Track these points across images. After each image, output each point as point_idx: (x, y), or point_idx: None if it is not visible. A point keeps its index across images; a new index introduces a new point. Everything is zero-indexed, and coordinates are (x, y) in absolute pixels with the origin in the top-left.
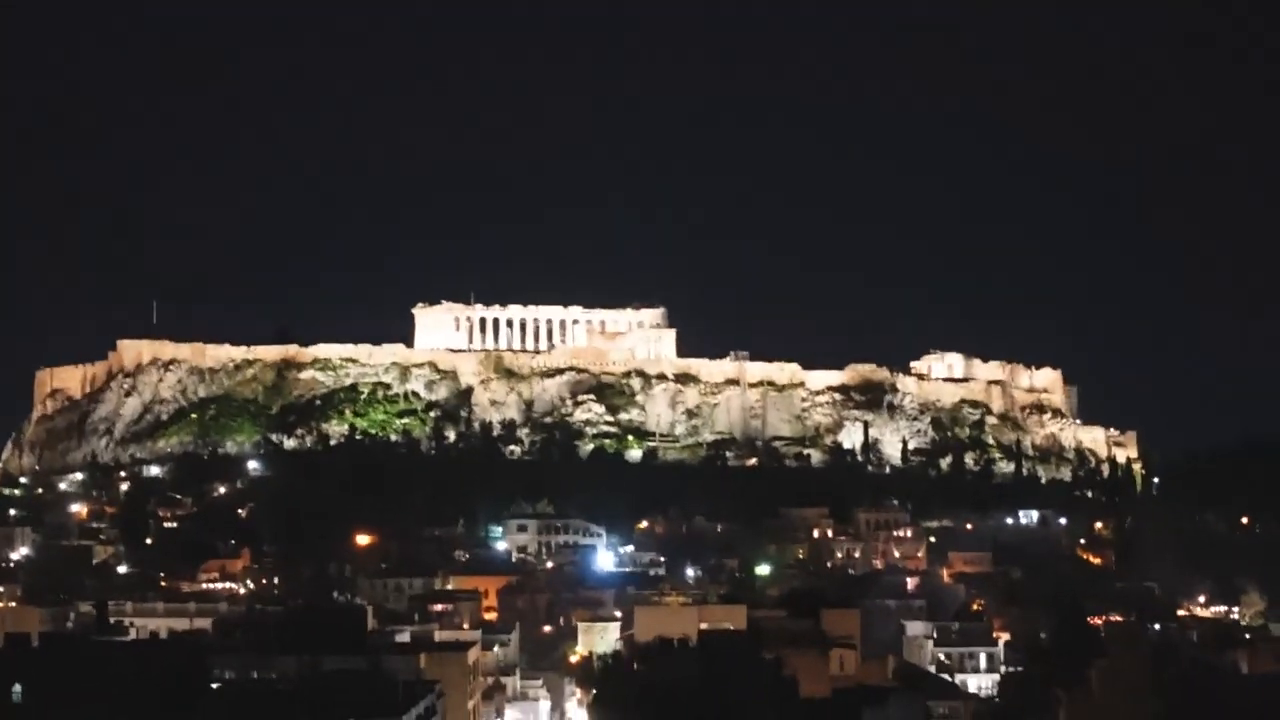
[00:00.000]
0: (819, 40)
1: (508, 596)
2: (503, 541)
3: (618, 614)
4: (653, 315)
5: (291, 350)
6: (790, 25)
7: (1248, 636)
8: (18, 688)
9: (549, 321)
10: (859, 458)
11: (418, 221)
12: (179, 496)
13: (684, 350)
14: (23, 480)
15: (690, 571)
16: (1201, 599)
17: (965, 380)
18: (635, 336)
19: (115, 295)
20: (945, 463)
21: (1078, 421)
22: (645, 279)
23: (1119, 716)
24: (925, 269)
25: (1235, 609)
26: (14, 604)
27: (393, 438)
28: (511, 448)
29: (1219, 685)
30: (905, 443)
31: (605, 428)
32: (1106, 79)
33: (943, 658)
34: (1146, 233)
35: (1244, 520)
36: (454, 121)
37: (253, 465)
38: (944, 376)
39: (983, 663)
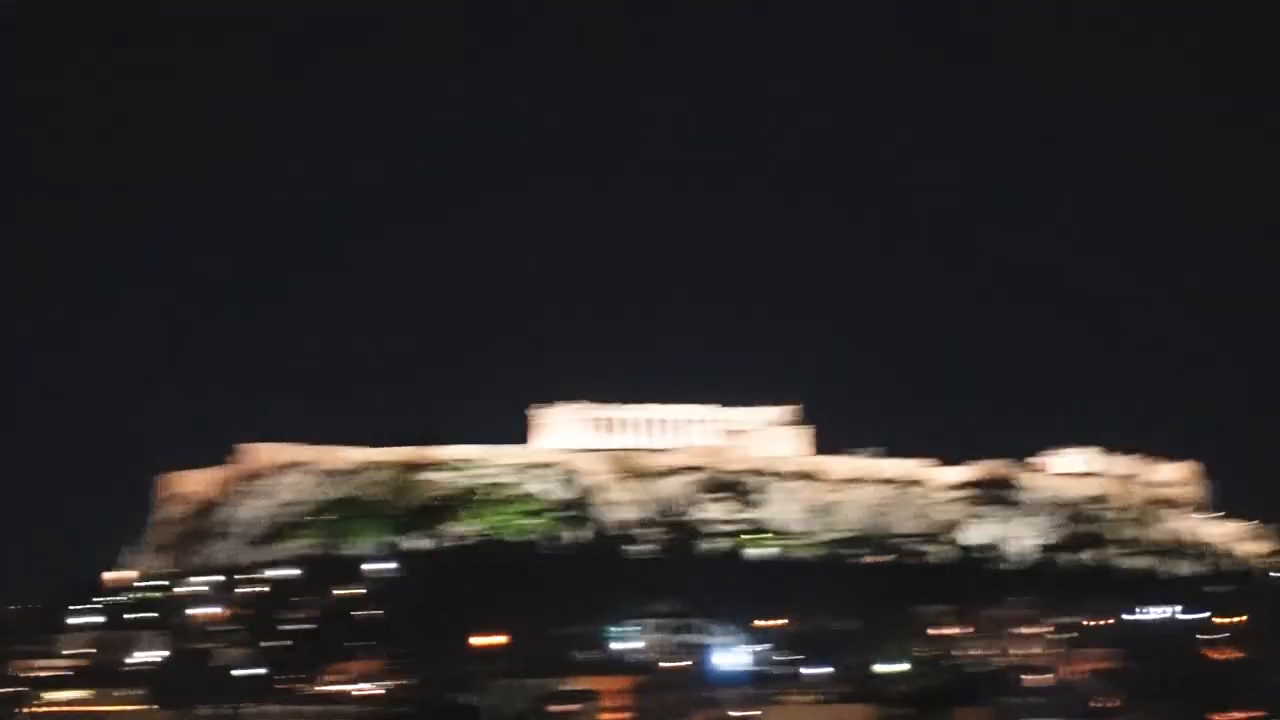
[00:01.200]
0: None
1: (634, 696)
2: (627, 641)
3: (744, 714)
4: (782, 412)
5: (416, 451)
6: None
7: None
8: None
9: (675, 421)
10: (985, 554)
11: (545, 315)
12: (305, 599)
13: (821, 448)
14: (146, 584)
15: (816, 670)
16: None
17: (1092, 474)
18: (764, 435)
19: (239, 396)
20: (1069, 558)
21: (1216, 514)
22: (780, 376)
23: None
24: (1059, 356)
25: None
26: (142, 707)
27: (517, 538)
28: (635, 547)
29: None
30: (1031, 539)
31: (731, 526)
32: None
33: None
34: None
35: None
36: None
37: (378, 567)
38: (1070, 471)
39: None
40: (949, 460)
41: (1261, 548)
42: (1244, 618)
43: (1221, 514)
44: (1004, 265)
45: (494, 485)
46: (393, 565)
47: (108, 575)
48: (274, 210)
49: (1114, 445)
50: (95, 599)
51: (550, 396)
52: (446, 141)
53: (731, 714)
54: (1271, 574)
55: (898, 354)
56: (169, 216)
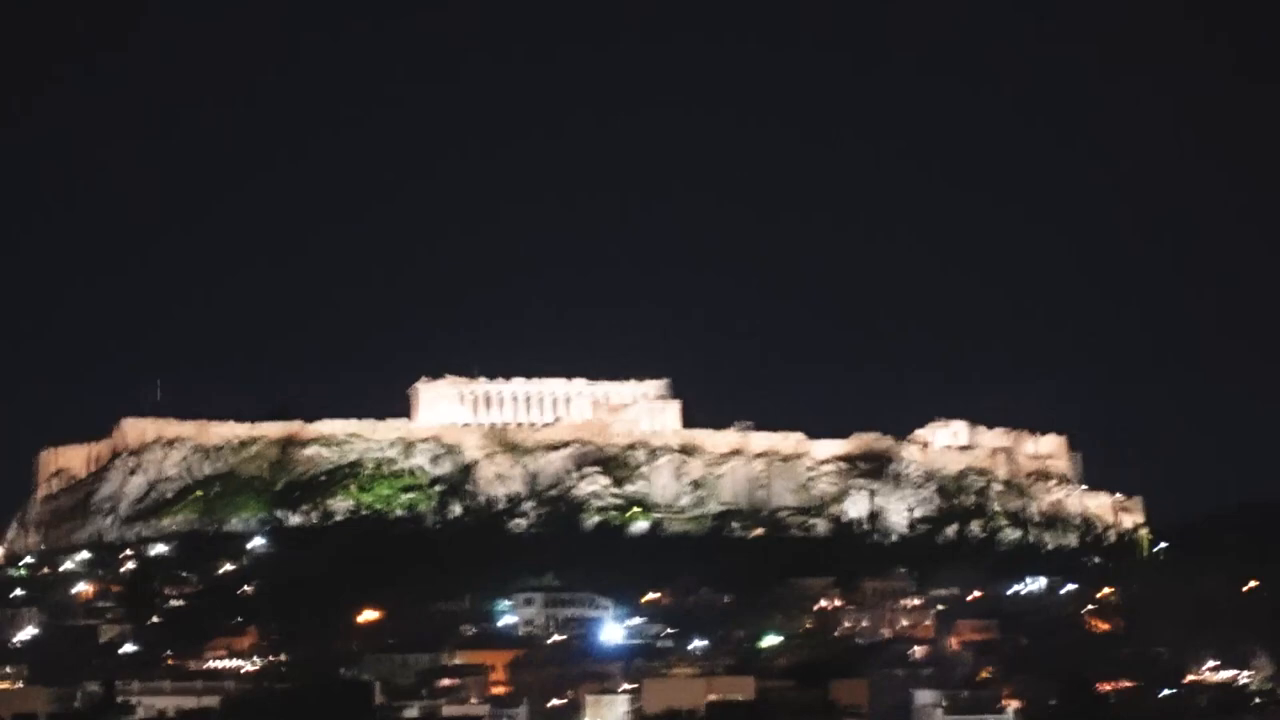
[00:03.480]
0: (817, 122)
1: (516, 670)
2: (509, 615)
3: (626, 686)
4: (657, 387)
5: (295, 427)
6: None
7: (1257, 700)
8: None
9: (553, 395)
10: (864, 527)
11: (418, 291)
12: (184, 574)
13: (689, 421)
14: (28, 560)
15: (697, 643)
16: (1210, 664)
17: (969, 448)
18: (639, 409)
19: (118, 373)
20: (951, 531)
21: (1083, 488)
22: (649, 350)
23: None
24: (928, 336)
25: (1244, 673)
26: (20, 684)
27: (397, 513)
28: (516, 521)
29: None
30: (910, 511)
31: (610, 500)
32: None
33: None
34: (1150, 297)
35: (1251, 584)
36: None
37: (257, 542)
38: (948, 445)
39: None
40: (821, 434)
41: (1129, 520)
42: (1116, 590)
43: (1087, 487)
44: (879, 234)
45: (374, 461)
46: (271, 541)
47: None
48: (151, 182)
49: (985, 420)
50: None
51: (430, 371)
52: (325, 117)
53: (613, 687)
54: (1141, 546)
55: (765, 328)
56: (41, 189)
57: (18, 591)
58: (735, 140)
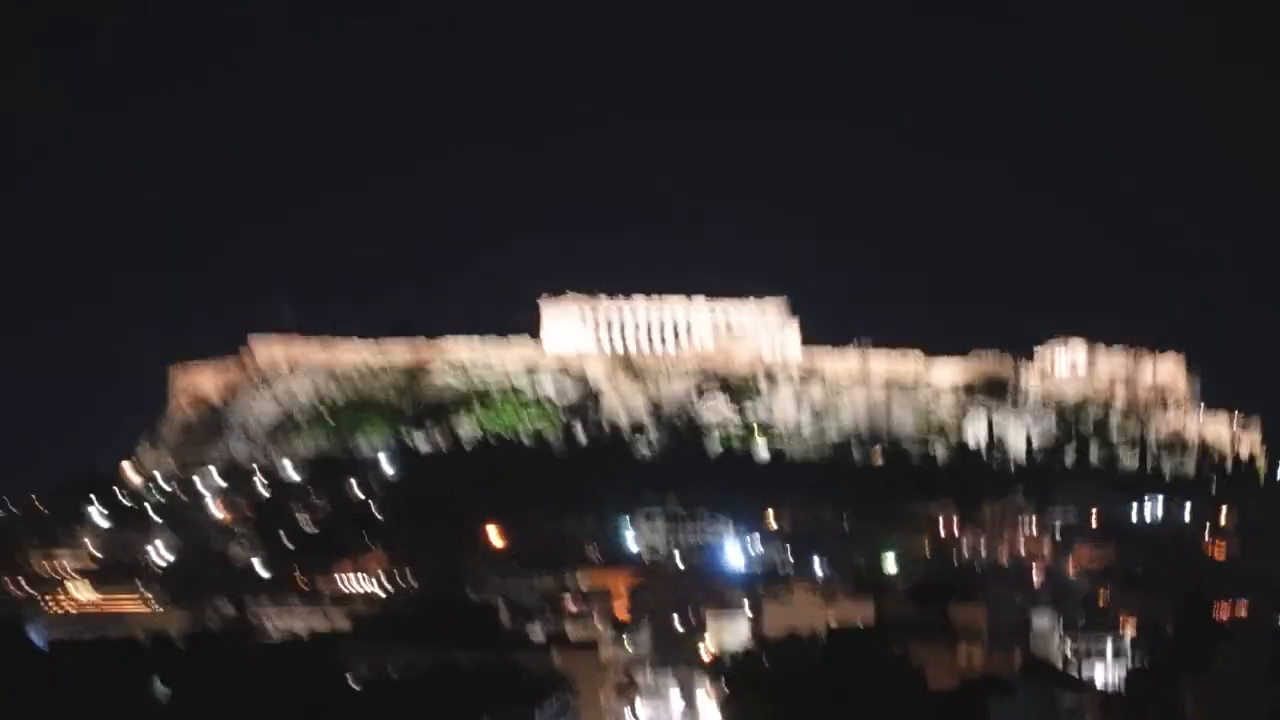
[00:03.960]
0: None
1: (639, 593)
2: (632, 539)
3: (748, 609)
4: (776, 305)
5: (423, 352)
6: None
7: None
8: (161, 688)
9: (674, 317)
10: (984, 452)
11: (540, 209)
12: (315, 498)
13: (808, 339)
14: (161, 481)
15: (818, 567)
16: None
17: (1087, 377)
18: (759, 332)
19: (245, 288)
20: (1070, 456)
21: (1202, 407)
22: (767, 266)
23: (1245, 703)
24: (1046, 251)
25: None
26: (157, 605)
27: (523, 438)
28: (640, 446)
29: None
30: (1029, 437)
31: (732, 425)
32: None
33: (1069, 650)
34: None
35: None
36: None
37: (387, 466)
38: (1068, 367)
39: (1109, 654)
40: (940, 351)
41: (1248, 441)
42: (1235, 512)
43: (1205, 406)
44: (995, 160)
45: (501, 386)
46: (399, 464)
47: (126, 466)
48: (278, 99)
49: (1103, 337)
50: (112, 494)
51: (551, 286)
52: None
53: (734, 608)
54: (1257, 470)
55: (881, 243)
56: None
57: (153, 513)
58: (853, 69)
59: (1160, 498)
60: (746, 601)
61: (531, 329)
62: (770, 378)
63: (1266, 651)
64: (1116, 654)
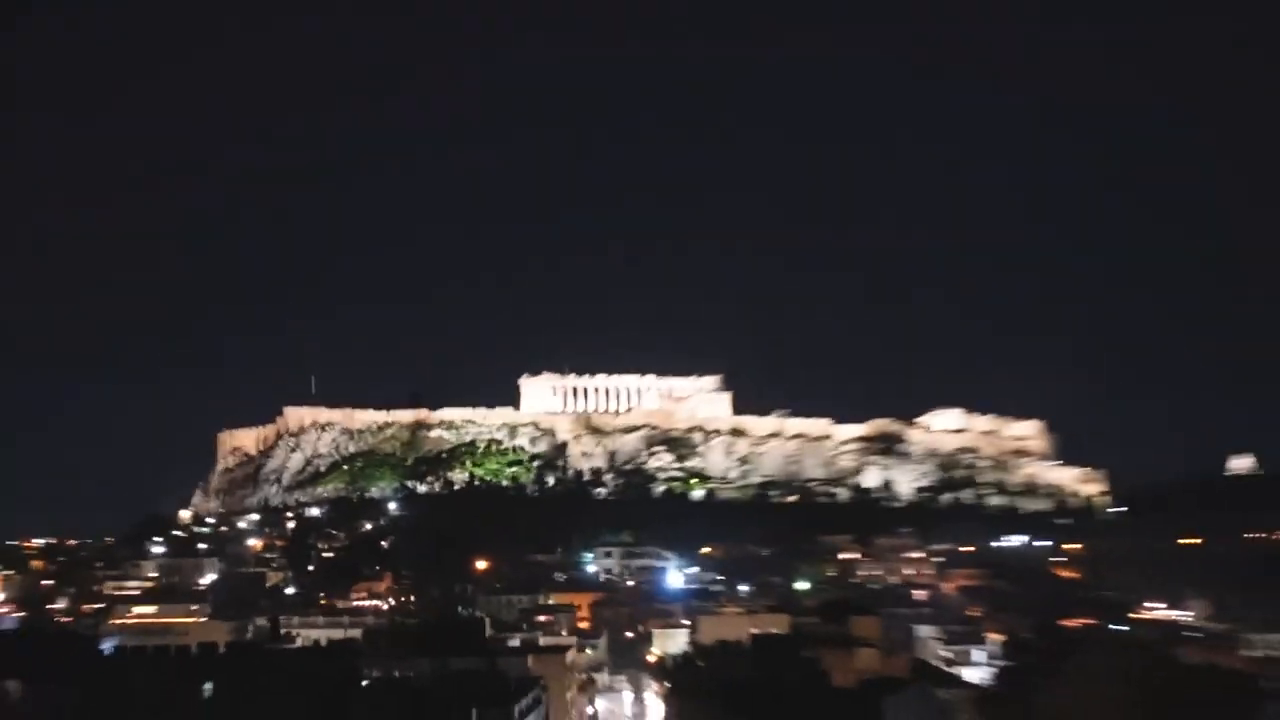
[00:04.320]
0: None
1: (598, 609)
2: (592, 565)
3: (686, 622)
4: (712, 381)
5: (423, 413)
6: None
7: (1194, 634)
8: (208, 686)
9: (628, 388)
10: (877, 495)
11: (521, 303)
12: (334, 532)
13: (738, 409)
14: (209, 520)
15: (743, 588)
16: (1155, 605)
17: (962, 431)
18: (697, 400)
19: (278, 368)
20: (947, 498)
21: (1060, 462)
22: (708, 351)
23: (1088, 699)
24: (932, 337)
25: (1183, 613)
26: (204, 619)
27: (504, 483)
28: (598, 490)
29: (1189, 678)
30: (914, 481)
31: (674, 472)
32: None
33: (947, 655)
34: (1127, 305)
35: (1192, 540)
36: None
37: (392, 506)
38: (945, 429)
39: (979, 658)
40: (843, 419)
41: (1093, 488)
42: (1080, 545)
43: (1061, 461)
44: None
45: (486, 441)
46: (403, 505)
47: (182, 512)
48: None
49: (975, 407)
50: (169, 531)
51: (530, 369)
52: (432, 155)
53: (675, 623)
54: (1101, 510)
55: (798, 334)
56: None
57: (201, 545)
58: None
59: (1020, 534)
60: (684, 615)
61: (512, 401)
62: (705, 435)
63: (1108, 658)
64: (985, 659)
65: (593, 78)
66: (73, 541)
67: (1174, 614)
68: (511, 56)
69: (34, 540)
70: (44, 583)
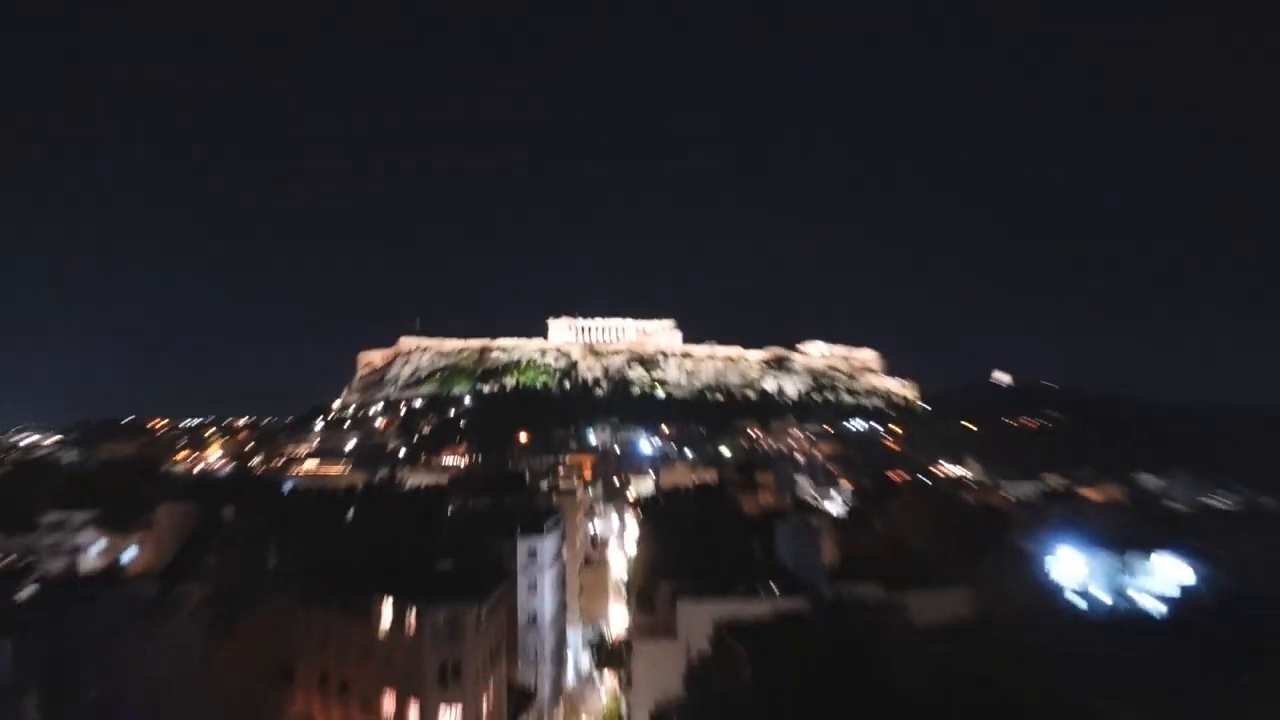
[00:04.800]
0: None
1: (596, 466)
2: (592, 438)
3: (651, 474)
4: (669, 322)
5: (487, 341)
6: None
7: (975, 484)
8: (350, 513)
9: (617, 326)
10: (774, 396)
11: (551, 269)
12: (430, 416)
13: (686, 339)
14: (351, 408)
15: (688, 453)
16: (946, 465)
17: (826, 356)
18: (661, 335)
19: (400, 313)
20: (818, 397)
21: (888, 375)
22: (667, 301)
23: (906, 525)
24: (810, 287)
25: (963, 471)
26: (348, 470)
27: (537, 387)
28: (597, 391)
29: (964, 510)
30: (797, 388)
31: (646, 380)
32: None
33: (815, 495)
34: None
35: (970, 425)
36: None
37: (467, 400)
38: (817, 354)
39: (835, 498)
40: (750, 346)
41: (909, 392)
42: (900, 428)
43: (891, 374)
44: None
45: (527, 360)
46: (474, 400)
47: (334, 402)
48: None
49: (836, 338)
50: (327, 414)
51: (554, 313)
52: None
53: (646, 473)
54: (914, 405)
55: (721, 288)
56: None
57: (347, 424)
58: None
59: (862, 420)
60: (652, 471)
61: (543, 333)
62: (665, 357)
63: (916, 497)
64: (839, 498)
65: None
66: (266, 420)
67: (958, 471)
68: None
69: (240, 420)
70: (246, 447)
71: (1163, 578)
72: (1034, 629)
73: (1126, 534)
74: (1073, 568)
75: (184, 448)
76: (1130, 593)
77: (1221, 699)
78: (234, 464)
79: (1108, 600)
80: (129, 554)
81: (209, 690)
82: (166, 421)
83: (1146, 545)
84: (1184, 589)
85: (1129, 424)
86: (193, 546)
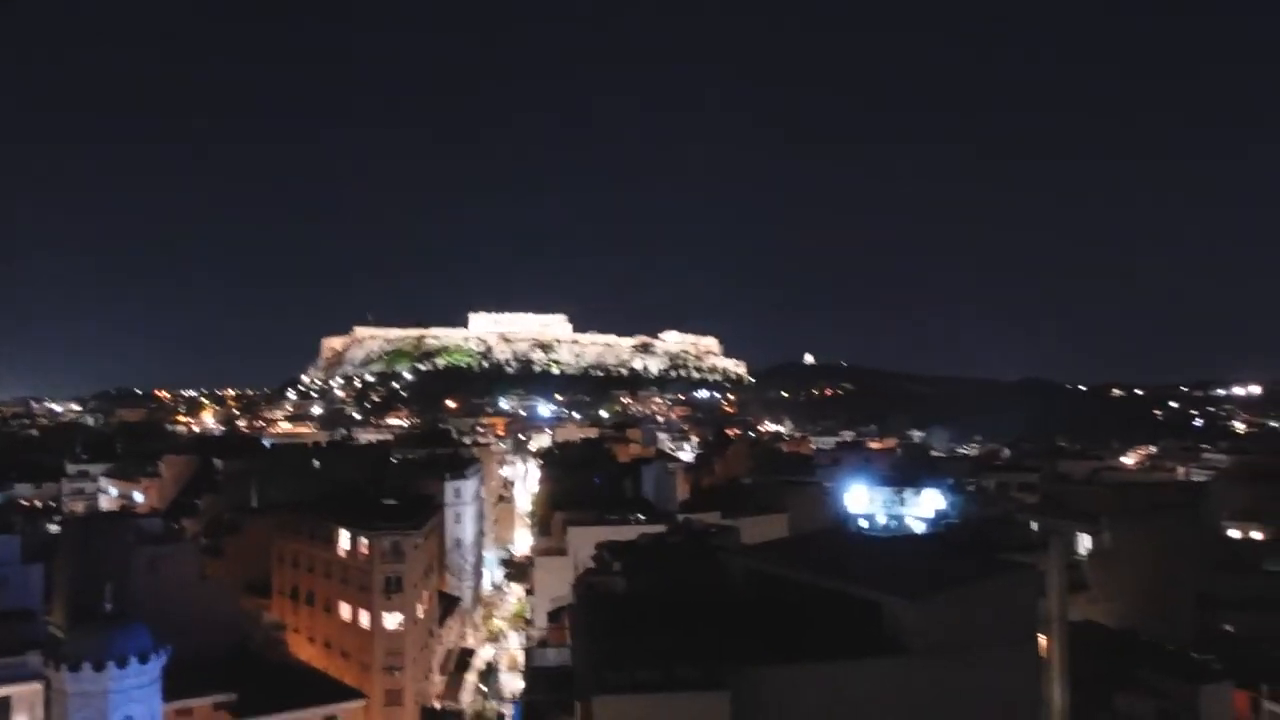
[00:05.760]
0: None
1: (508, 426)
2: (504, 404)
3: (549, 431)
4: (561, 316)
5: (422, 330)
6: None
7: (789, 437)
8: (316, 462)
9: (524, 319)
10: (641, 373)
11: (480, 273)
12: (379, 386)
13: (576, 328)
14: (318, 381)
15: (576, 415)
16: (769, 423)
17: (680, 342)
18: (555, 325)
19: (355, 304)
20: (675, 373)
21: (724, 357)
22: (561, 298)
23: (738, 466)
24: (672, 284)
25: (780, 427)
26: (315, 429)
27: (462, 366)
28: (508, 368)
29: (780, 457)
30: (661, 365)
31: (545, 359)
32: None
33: (672, 446)
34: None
35: (785, 393)
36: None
37: (407, 375)
38: (674, 340)
39: (686, 448)
40: (622, 334)
41: (741, 369)
42: (735, 396)
43: (726, 354)
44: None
45: (453, 343)
46: (414, 376)
47: (303, 376)
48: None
49: (691, 328)
50: (298, 385)
51: (473, 308)
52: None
53: (543, 431)
54: (744, 379)
55: (599, 286)
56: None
57: (314, 394)
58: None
59: (706, 390)
60: (548, 429)
61: (465, 323)
62: (559, 343)
63: (747, 447)
64: (689, 448)
65: None
66: (249, 391)
67: (776, 427)
68: None
69: (228, 391)
70: (233, 411)
71: (925, 505)
72: (830, 544)
73: (900, 474)
74: (860, 499)
75: (183, 413)
76: (903, 516)
77: (959, 582)
78: (223, 425)
79: (885, 522)
80: (139, 497)
81: (204, 602)
82: (168, 393)
83: (914, 482)
84: (938, 512)
85: (900, 391)
86: (191, 490)
